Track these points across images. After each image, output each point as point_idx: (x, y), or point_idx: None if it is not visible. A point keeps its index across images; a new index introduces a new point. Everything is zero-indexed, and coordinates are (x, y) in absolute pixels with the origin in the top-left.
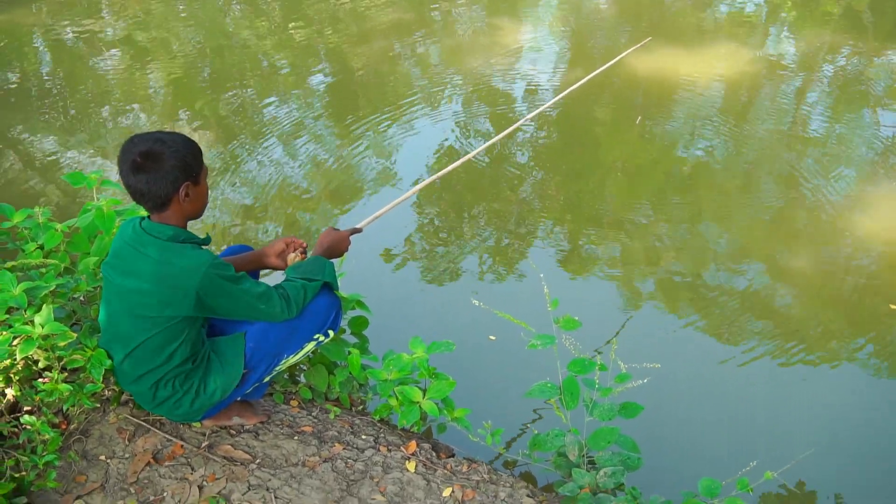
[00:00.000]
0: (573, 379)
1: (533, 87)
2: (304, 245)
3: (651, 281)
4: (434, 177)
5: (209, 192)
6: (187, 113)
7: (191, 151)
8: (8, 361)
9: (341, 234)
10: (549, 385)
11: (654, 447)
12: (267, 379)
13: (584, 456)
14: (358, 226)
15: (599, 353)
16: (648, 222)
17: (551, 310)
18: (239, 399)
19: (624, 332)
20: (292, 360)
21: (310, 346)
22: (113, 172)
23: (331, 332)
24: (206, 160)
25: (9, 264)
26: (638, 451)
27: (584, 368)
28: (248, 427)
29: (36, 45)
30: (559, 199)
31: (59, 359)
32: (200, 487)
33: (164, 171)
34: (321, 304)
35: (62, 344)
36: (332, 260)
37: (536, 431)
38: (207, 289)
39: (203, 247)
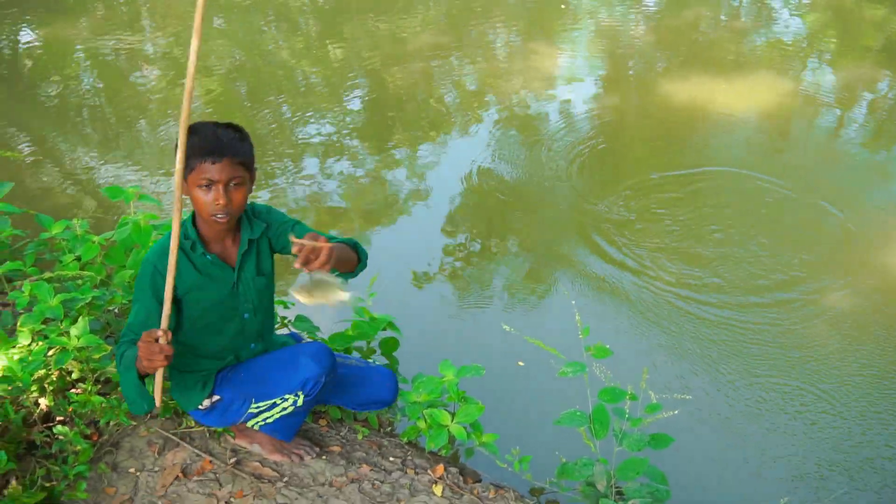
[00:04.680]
0: (603, 408)
1: (567, 112)
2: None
3: (685, 312)
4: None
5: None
6: None
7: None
8: (43, 372)
9: None
10: (578, 413)
11: (682, 480)
12: (254, 423)
13: (612, 486)
14: None
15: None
16: (684, 252)
17: (583, 337)
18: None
19: (656, 362)
20: (264, 410)
21: (282, 404)
22: (149, 185)
23: (301, 395)
24: None
25: (46, 275)
26: (667, 484)
27: (614, 397)
28: None
29: (77, 58)
30: (594, 225)
31: (93, 371)
32: None
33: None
34: (308, 367)
35: (96, 356)
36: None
37: (564, 459)
38: None
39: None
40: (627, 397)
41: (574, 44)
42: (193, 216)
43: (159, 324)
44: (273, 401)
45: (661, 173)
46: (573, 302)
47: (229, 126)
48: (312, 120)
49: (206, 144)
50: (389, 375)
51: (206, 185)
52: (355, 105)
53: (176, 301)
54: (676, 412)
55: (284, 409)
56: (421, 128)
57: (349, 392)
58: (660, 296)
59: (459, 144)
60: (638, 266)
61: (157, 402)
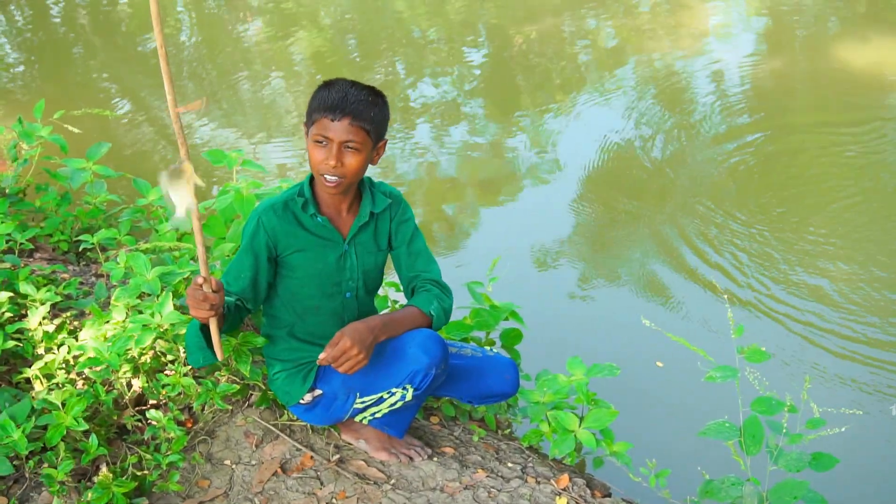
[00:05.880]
0: (757, 420)
1: (719, 76)
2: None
3: (859, 317)
4: None
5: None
6: None
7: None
8: (136, 351)
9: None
10: (727, 425)
11: None
12: (361, 418)
13: None
14: None
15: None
16: (859, 248)
17: (735, 337)
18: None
19: (818, 371)
20: (371, 405)
21: (389, 399)
22: (252, 149)
23: (409, 388)
24: None
25: (142, 246)
26: None
27: (770, 409)
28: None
29: (178, 9)
30: (746, 213)
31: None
32: None
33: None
34: (416, 358)
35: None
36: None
37: (708, 477)
38: None
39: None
40: (786, 409)
41: None
42: (312, 176)
43: (249, 278)
44: (379, 395)
45: (828, 150)
46: (725, 297)
47: (365, 88)
48: (429, 80)
49: (330, 100)
50: (510, 365)
51: (321, 142)
52: (477, 65)
53: (276, 263)
54: (844, 429)
55: (392, 403)
56: (550, 92)
57: (465, 384)
58: (832, 296)
59: (593, 112)
60: (804, 261)
61: (219, 356)
